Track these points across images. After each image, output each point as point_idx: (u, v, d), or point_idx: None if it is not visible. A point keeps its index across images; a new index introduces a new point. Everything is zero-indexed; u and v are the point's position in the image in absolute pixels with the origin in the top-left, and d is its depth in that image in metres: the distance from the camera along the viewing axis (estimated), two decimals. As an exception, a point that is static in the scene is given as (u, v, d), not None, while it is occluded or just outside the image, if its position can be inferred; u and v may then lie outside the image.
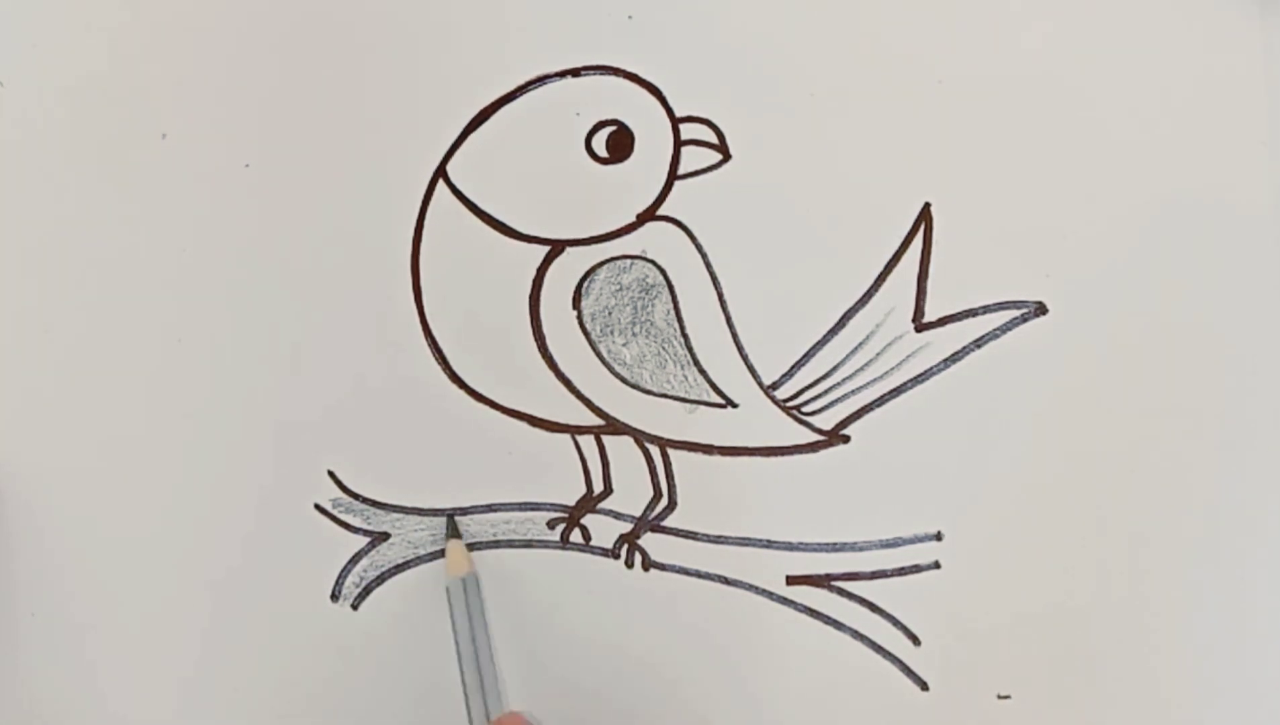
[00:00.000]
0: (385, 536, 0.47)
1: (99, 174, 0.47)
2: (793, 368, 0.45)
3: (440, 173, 0.46)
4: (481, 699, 0.43)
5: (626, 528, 0.46)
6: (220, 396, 0.47)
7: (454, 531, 0.46)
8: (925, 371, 0.45)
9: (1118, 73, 0.45)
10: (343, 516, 0.47)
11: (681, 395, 0.46)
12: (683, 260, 0.46)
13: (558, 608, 0.46)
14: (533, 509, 0.46)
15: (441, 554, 0.46)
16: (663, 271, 0.45)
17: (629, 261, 0.46)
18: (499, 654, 0.46)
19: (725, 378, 0.46)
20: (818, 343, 0.45)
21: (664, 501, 0.46)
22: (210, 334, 0.47)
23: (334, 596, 0.47)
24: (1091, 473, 0.45)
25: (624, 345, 0.46)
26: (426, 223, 0.46)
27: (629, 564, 0.46)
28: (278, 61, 0.47)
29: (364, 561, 0.47)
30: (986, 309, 0.45)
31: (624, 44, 0.46)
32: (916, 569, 0.45)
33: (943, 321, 0.45)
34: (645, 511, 0.46)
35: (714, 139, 0.46)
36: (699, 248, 0.46)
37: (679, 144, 0.46)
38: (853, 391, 0.45)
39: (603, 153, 0.46)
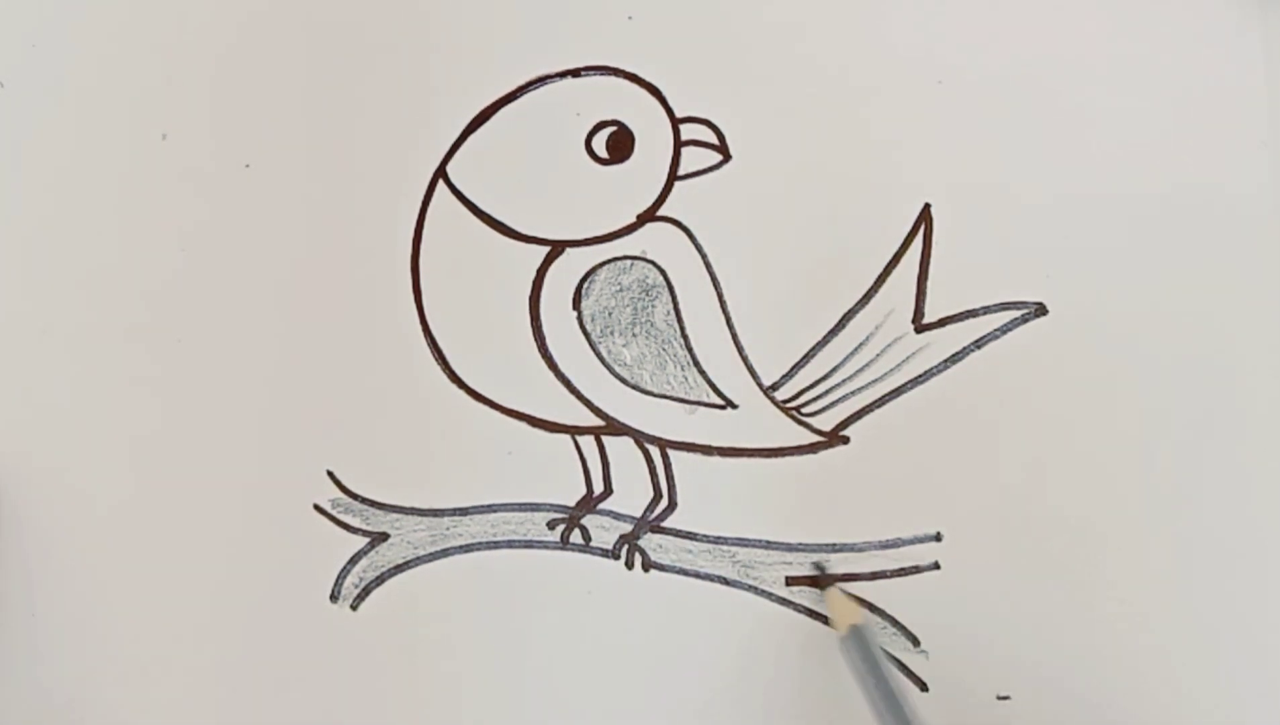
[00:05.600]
0: (384, 537, 0.47)
1: (99, 174, 0.47)
2: (793, 369, 0.45)
3: (440, 173, 0.46)
4: None
5: (626, 528, 0.46)
6: (220, 396, 0.47)
7: (826, 577, 0.45)
8: (925, 372, 0.45)
9: (1118, 73, 0.45)
10: (342, 517, 0.47)
11: (681, 396, 0.46)
12: (683, 261, 0.46)
13: (558, 608, 0.46)
14: (533, 509, 0.46)
15: (442, 554, 0.46)
16: (663, 272, 0.45)
17: (629, 262, 0.45)
18: (489, 653, 0.46)
19: (725, 379, 0.46)
20: (818, 343, 0.45)
21: (664, 502, 0.46)
22: (210, 334, 0.47)
23: (333, 597, 0.47)
24: (1091, 473, 0.45)
25: (624, 346, 0.46)
26: (426, 223, 0.46)
27: (629, 564, 0.46)
28: (278, 62, 0.47)
29: (363, 562, 0.47)
30: (986, 309, 0.45)
31: (624, 44, 0.46)
32: (916, 569, 0.45)
33: (943, 322, 0.45)
34: (645, 512, 0.46)
35: (714, 139, 0.46)
36: (699, 248, 0.46)
37: (679, 144, 0.46)
38: (852, 392, 0.45)
39: (603, 153, 0.46)
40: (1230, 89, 0.45)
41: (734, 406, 0.46)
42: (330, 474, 0.46)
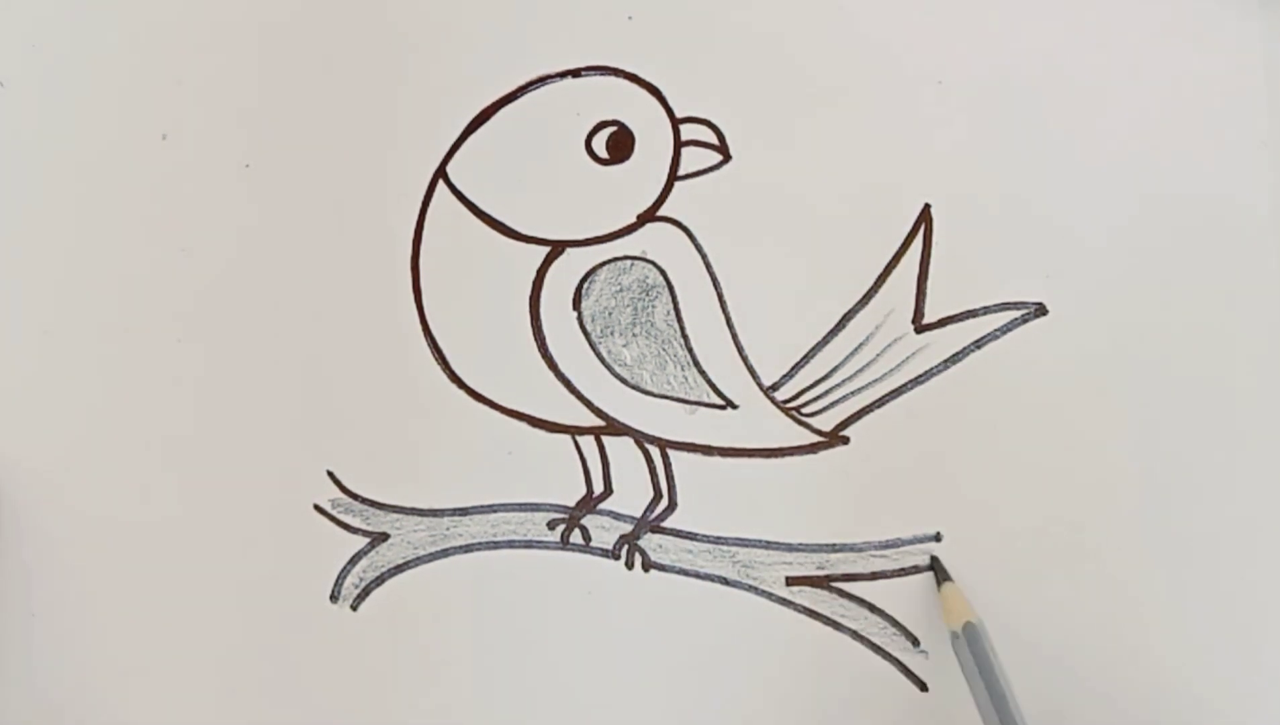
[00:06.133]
0: (385, 537, 0.47)
1: (99, 174, 0.47)
2: (793, 369, 0.45)
3: (440, 173, 0.46)
4: None
5: (626, 528, 0.46)
6: (219, 396, 0.46)
7: (944, 573, 0.44)
8: (925, 372, 0.45)
9: (1117, 73, 0.45)
10: (342, 517, 0.47)
11: (681, 396, 0.46)
12: (683, 261, 0.46)
13: (558, 608, 0.46)
14: (533, 509, 0.46)
15: (442, 554, 0.46)
16: (663, 272, 0.45)
17: (629, 262, 0.45)
18: (488, 653, 0.46)
19: (725, 379, 0.46)
20: (818, 344, 0.45)
21: (664, 502, 0.46)
22: (210, 334, 0.47)
23: (333, 597, 0.47)
24: (1091, 473, 0.45)
25: (624, 346, 0.46)
26: (426, 223, 0.46)
27: (629, 564, 0.46)
28: (278, 62, 0.47)
29: (363, 562, 0.47)
30: (986, 310, 0.45)
31: (624, 44, 0.46)
32: (916, 570, 0.45)
33: (943, 322, 0.45)
34: (645, 512, 0.46)
35: (714, 139, 0.46)
36: (699, 248, 0.46)
37: (679, 144, 0.46)
38: (852, 392, 0.45)
39: (603, 153, 0.46)
40: (1230, 89, 0.45)
41: (734, 406, 0.46)
42: (330, 474, 0.46)
